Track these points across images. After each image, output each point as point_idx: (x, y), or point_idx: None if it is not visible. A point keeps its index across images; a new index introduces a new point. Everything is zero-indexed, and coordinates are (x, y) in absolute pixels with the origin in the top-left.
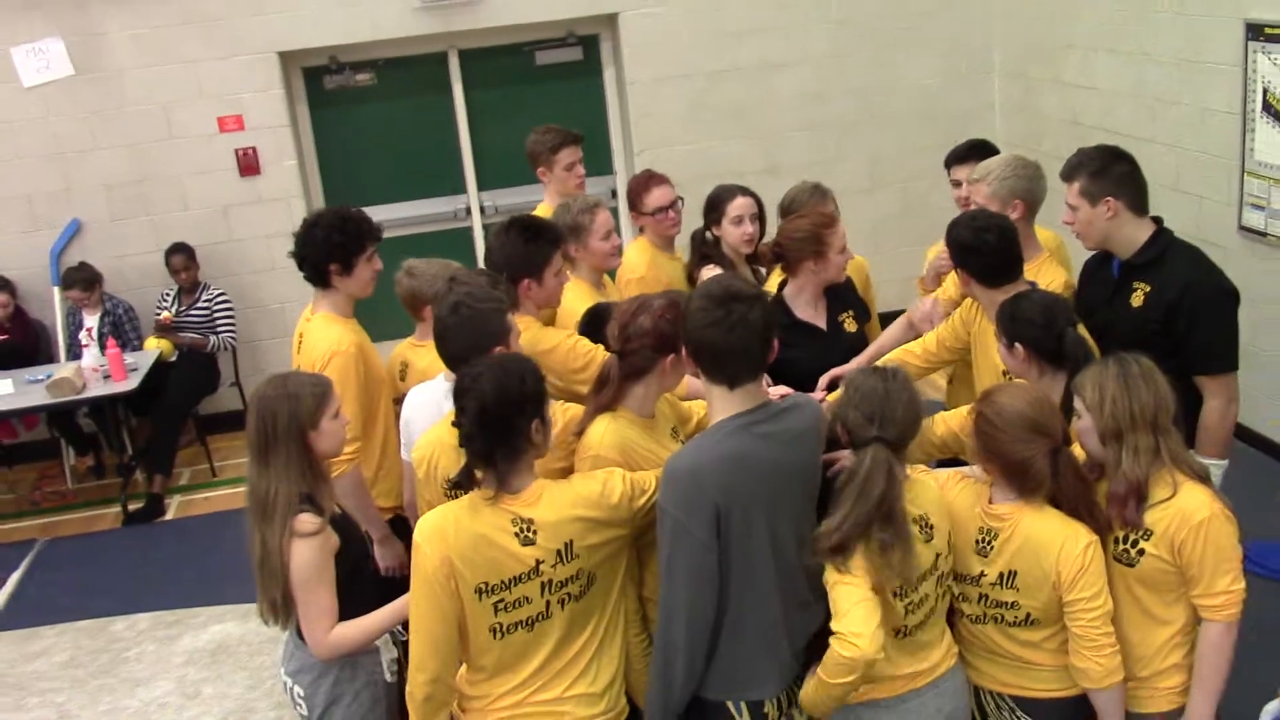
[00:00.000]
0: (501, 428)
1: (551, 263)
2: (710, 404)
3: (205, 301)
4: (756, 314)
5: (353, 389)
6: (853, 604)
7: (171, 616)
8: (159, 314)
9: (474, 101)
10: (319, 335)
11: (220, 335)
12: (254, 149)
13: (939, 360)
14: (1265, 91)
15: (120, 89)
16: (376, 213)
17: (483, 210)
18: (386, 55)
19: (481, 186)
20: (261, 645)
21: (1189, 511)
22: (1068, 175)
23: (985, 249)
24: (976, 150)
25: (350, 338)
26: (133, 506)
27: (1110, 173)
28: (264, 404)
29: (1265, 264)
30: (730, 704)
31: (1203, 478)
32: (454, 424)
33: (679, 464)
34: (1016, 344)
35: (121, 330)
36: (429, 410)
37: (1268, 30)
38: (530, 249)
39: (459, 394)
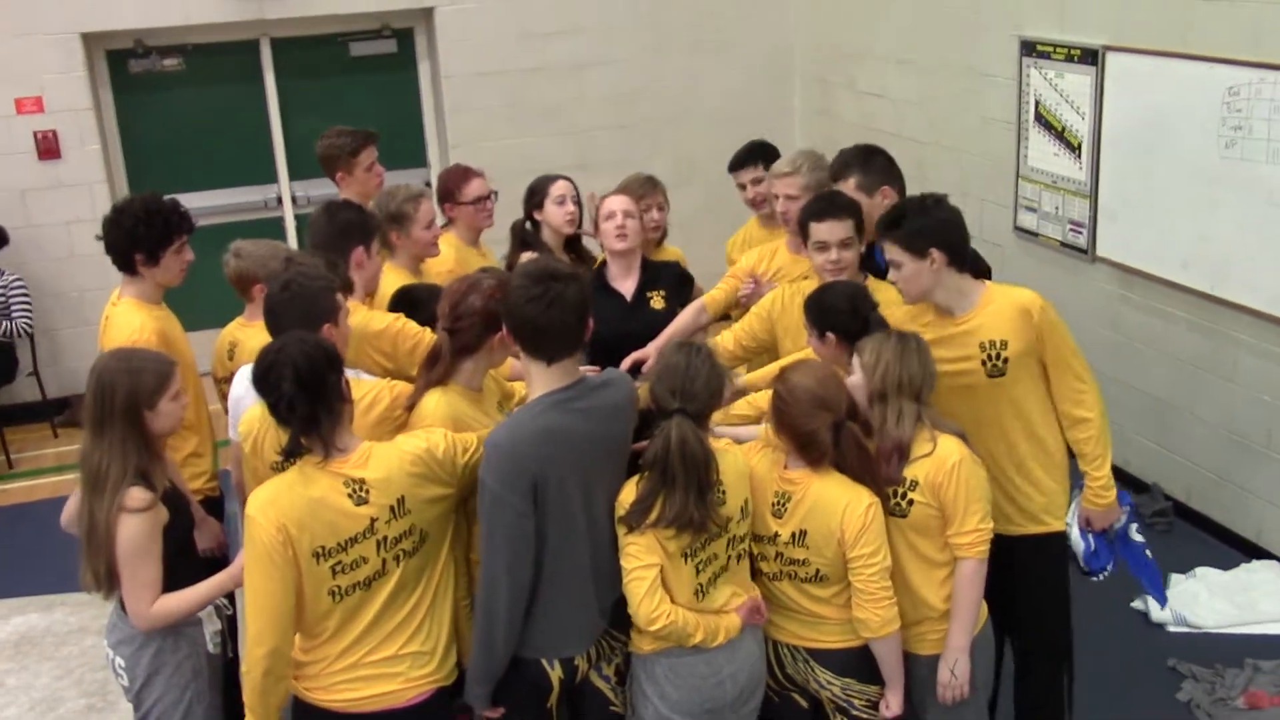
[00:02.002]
0: (318, 387)
1: (375, 238)
2: (529, 380)
3: (1, 287)
4: (573, 292)
5: None
6: (628, 578)
7: None
8: None
9: (287, 91)
10: (121, 322)
11: (15, 321)
12: (54, 132)
13: (735, 358)
14: (1037, 103)
15: None
16: (185, 201)
17: (294, 200)
18: (196, 41)
19: (294, 176)
20: (68, 635)
21: (944, 457)
22: (837, 175)
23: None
24: (758, 153)
25: (151, 325)
26: None
27: (874, 164)
28: (104, 376)
29: (1037, 262)
30: (544, 661)
31: (960, 435)
32: (269, 404)
33: (498, 438)
34: (827, 333)
35: None
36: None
37: (1039, 47)
38: (361, 217)
39: (266, 371)
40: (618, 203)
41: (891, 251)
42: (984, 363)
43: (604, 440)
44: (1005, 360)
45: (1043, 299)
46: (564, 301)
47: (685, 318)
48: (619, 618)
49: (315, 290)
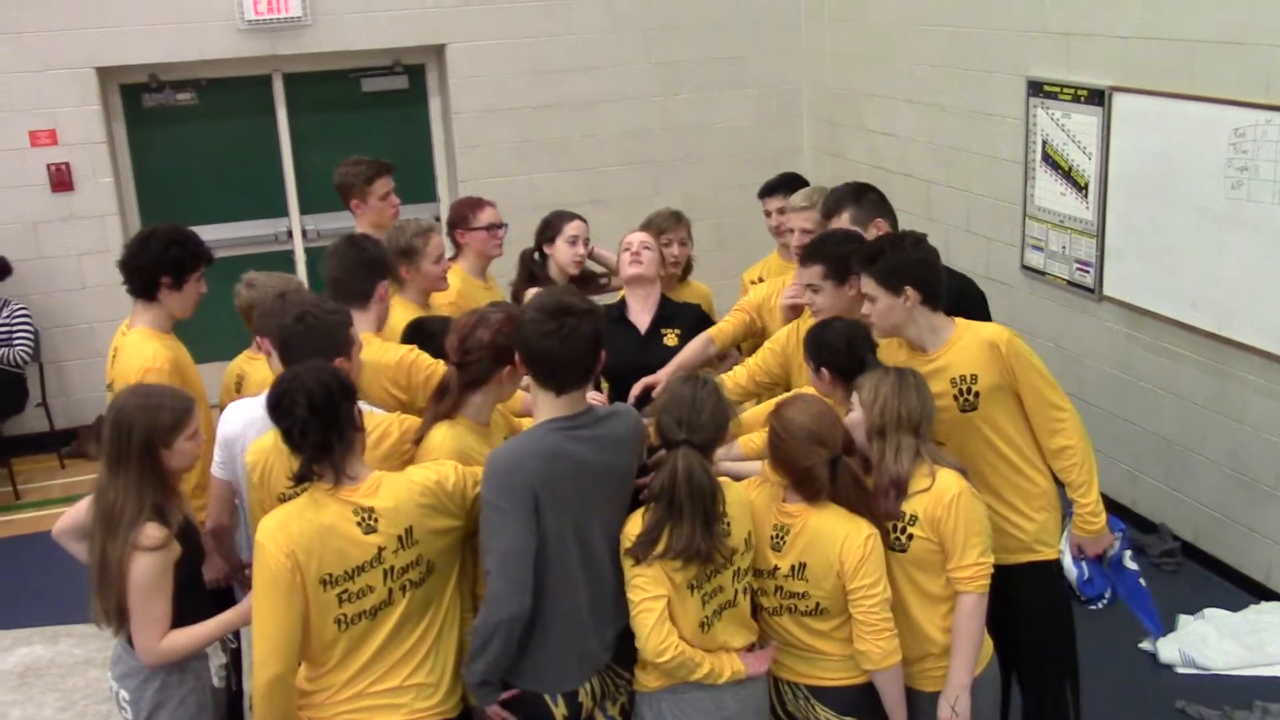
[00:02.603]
0: (331, 414)
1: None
2: (536, 407)
3: (5, 318)
4: (587, 326)
5: None
6: (635, 609)
7: None
8: None
9: (298, 125)
10: (134, 351)
11: (15, 349)
12: (67, 165)
13: (748, 393)
14: (1044, 143)
15: None
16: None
17: (304, 234)
18: (209, 75)
19: (304, 210)
20: (73, 667)
21: (942, 491)
22: (832, 211)
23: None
24: (788, 183)
25: (165, 354)
26: None
27: (867, 199)
28: (122, 414)
29: (1043, 300)
30: (546, 696)
31: (960, 470)
32: (282, 430)
33: (498, 457)
34: (822, 368)
35: None
36: (264, 427)
37: (1046, 87)
38: (383, 251)
39: (280, 398)
40: (636, 237)
41: (867, 286)
42: (955, 398)
43: (605, 470)
44: (976, 394)
45: (1010, 332)
46: (578, 336)
47: (693, 349)
48: (623, 655)
49: (331, 323)
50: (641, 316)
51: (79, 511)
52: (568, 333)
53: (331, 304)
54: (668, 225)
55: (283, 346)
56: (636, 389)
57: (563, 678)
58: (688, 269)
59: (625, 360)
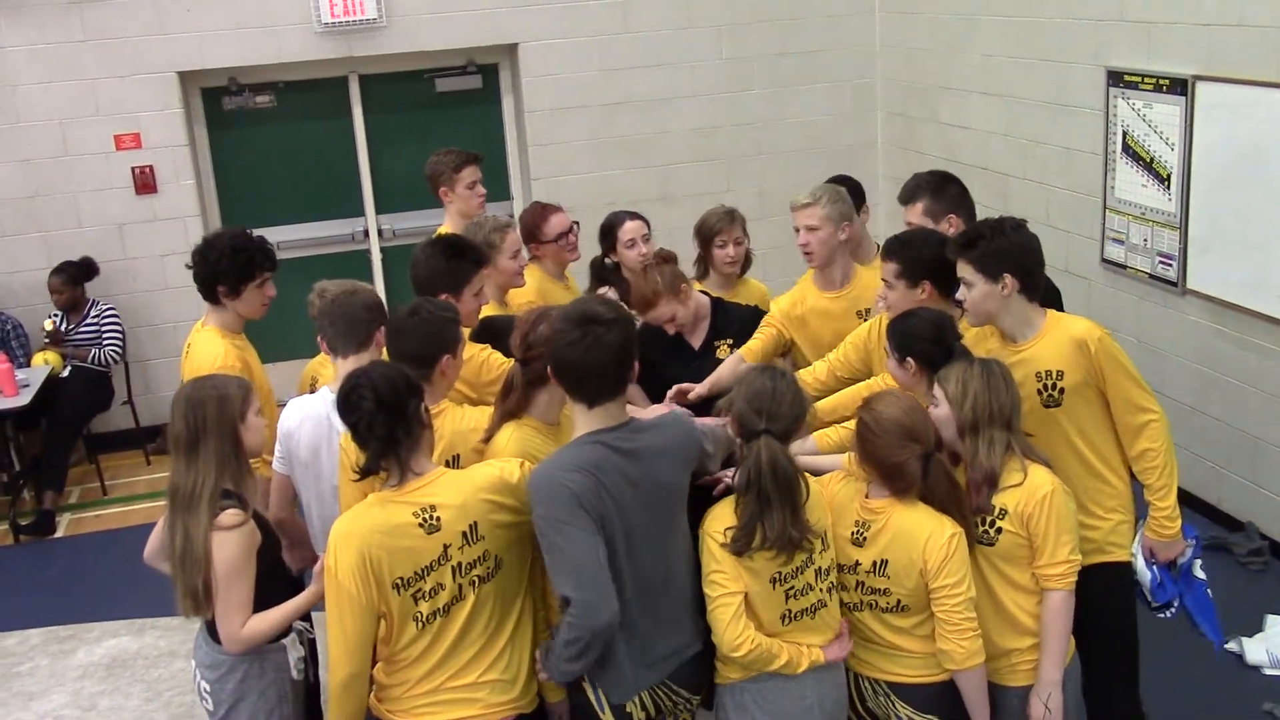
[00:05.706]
0: (398, 410)
1: (471, 283)
2: (574, 422)
3: (94, 318)
4: (613, 336)
5: None
6: (712, 605)
7: (65, 631)
8: (48, 323)
9: (374, 126)
10: (204, 350)
11: (105, 349)
12: (151, 167)
13: (828, 389)
14: (1124, 134)
15: (14, 104)
16: (274, 234)
17: (380, 233)
18: (287, 78)
19: (380, 210)
20: (158, 659)
21: (1035, 487)
22: (907, 199)
23: None
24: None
25: (234, 354)
26: (22, 523)
27: (946, 192)
28: (192, 401)
29: (1124, 294)
30: (592, 698)
31: (1048, 464)
32: (349, 425)
33: (538, 476)
34: (908, 358)
35: (8, 346)
36: (318, 424)
37: (1127, 77)
38: (451, 266)
39: (348, 395)
40: (659, 315)
41: (964, 271)
42: (1040, 392)
43: (650, 483)
44: (1061, 391)
45: (1101, 330)
46: (603, 345)
47: (725, 369)
48: (684, 676)
49: (442, 320)
50: (694, 334)
51: (160, 532)
52: (592, 342)
53: (445, 303)
54: (722, 225)
55: (392, 335)
56: (671, 393)
57: (607, 688)
58: (746, 264)
59: (682, 377)
